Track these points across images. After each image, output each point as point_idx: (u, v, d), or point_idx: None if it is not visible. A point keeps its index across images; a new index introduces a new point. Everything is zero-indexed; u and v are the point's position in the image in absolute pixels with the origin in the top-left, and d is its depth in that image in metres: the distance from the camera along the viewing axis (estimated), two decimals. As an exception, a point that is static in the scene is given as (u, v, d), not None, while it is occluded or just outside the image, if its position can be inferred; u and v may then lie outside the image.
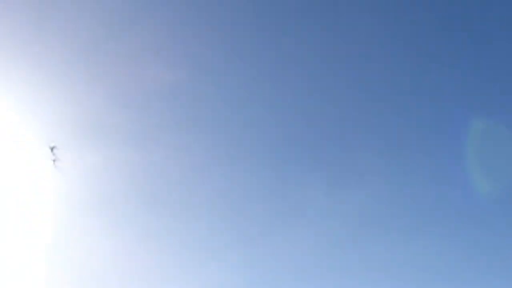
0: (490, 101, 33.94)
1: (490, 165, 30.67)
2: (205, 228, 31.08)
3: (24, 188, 29.53)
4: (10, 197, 29.77)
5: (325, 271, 31.59)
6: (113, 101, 30.23)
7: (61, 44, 29.05)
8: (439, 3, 32.16)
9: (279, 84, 31.78)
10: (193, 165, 31.00)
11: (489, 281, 29.47)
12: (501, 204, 30.94)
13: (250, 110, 31.97)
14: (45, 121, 29.01)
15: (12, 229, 30.05)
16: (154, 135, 30.73)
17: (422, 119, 32.87)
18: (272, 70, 31.76)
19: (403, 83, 33.05)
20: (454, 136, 31.96)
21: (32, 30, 28.40)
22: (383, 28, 31.56)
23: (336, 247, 31.57)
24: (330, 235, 31.23)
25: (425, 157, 32.10)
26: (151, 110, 31.12)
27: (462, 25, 33.09)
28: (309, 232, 30.89)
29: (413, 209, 32.27)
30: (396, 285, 30.32)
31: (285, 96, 31.94)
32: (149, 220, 30.15)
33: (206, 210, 31.21)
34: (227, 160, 32.02)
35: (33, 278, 28.77)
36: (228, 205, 31.86)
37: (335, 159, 32.23)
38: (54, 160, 24.97)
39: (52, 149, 24.84)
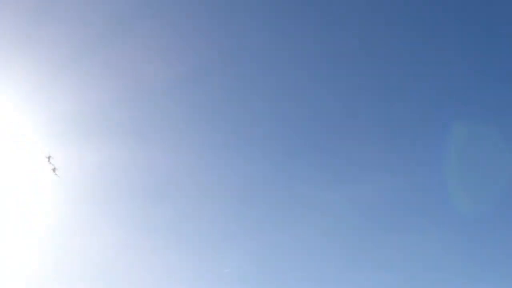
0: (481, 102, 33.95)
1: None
2: (211, 222, 31.01)
3: (25, 186, 29.58)
4: (11, 195, 29.80)
5: (330, 261, 31.63)
6: (114, 99, 30.14)
7: (61, 44, 29.04)
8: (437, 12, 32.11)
9: (281, 82, 31.73)
10: (198, 162, 30.91)
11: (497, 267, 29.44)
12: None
13: (254, 106, 31.90)
14: (46, 119, 29.00)
15: (14, 226, 30.07)
16: (158, 132, 30.60)
17: (426, 114, 32.77)
18: (274, 69, 31.70)
19: (407, 81, 32.97)
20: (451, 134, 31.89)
21: (33, 30, 28.42)
22: (387, 26, 31.43)
23: (341, 239, 31.60)
24: (335, 227, 31.27)
25: (428, 151, 32.05)
26: (153, 108, 31.05)
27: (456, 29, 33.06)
28: (314, 224, 30.91)
29: (415, 203, 32.30)
30: (397, 276, 30.29)
31: (288, 93, 31.86)
32: (154, 215, 30.03)
33: (212, 205, 31.13)
34: (233, 155, 31.97)
35: (36, 275, 28.67)
36: (234, 199, 31.85)
37: (340, 154, 32.29)
38: (53, 169, 24.97)
39: (48, 158, 24.81)
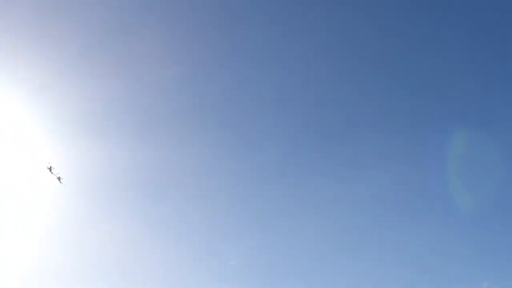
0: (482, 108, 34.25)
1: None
2: (214, 216, 31.38)
3: (27, 184, 29.95)
4: (13, 193, 30.16)
5: (330, 255, 32.14)
6: (116, 99, 30.44)
7: (61, 44, 29.40)
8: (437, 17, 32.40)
9: (282, 82, 32.07)
10: (203, 160, 31.19)
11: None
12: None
13: (256, 106, 32.17)
14: (47, 118, 29.33)
15: (16, 223, 30.43)
16: (162, 129, 30.79)
17: (426, 114, 33.08)
18: (274, 69, 32.04)
19: (408, 79, 33.21)
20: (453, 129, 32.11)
21: (34, 30, 28.82)
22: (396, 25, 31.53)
23: (343, 233, 32.10)
24: (338, 221, 31.82)
25: (427, 149, 32.48)
26: (154, 106, 31.34)
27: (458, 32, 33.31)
28: (318, 218, 31.38)
29: (414, 197, 32.84)
30: (397, 270, 30.68)
31: (289, 93, 32.13)
32: (160, 211, 30.30)
33: (215, 200, 31.44)
34: (237, 155, 32.32)
35: (36, 273, 28.89)
36: (240, 197, 32.24)
37: (343, 151, 32.79)
38: (58, 178, 25.23)
39: (50, 169, 25.07)
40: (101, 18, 27.84)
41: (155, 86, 28.48)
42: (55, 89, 28.67)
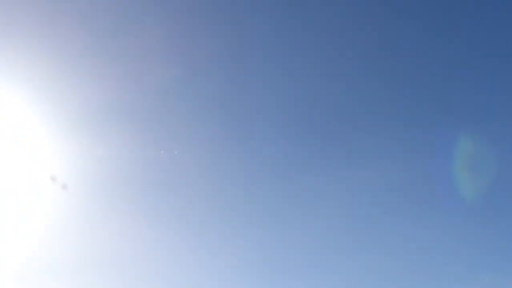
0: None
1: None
2: (217, 211, 31.34)
3: (28, 183, 29.73)
4: (14, 191, 29.99)
5: (335, 250, 31.96)
6: (115, 98, 30.38)
7: (61, 43, 29.21)
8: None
9: (277, 79, 31.89)
10: (197, 159, 31.15)
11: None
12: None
13: (250, 104, 32.06)
14: (47, 117, 29.21)
15: (17, 223, 30.28)
16: (161, 125, 30.87)
17: (430, 101, 32.90)
18: (269, 68, 31.88)
19: (411, 65, 33.08)
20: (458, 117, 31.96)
21: (33, 29, 28.59)
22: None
23: (346, 227, 31.89)
24: (340, 215, 31.58)
25: (430, 138, 32.25)
26: (155, 105, 31.30)
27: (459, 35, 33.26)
28: (319, 213, 31.25)
29: (417, 189, 32.57)
30: (403, 262, 30.64)
31: (289, 85, 31.92)
32: (158, 203, 30.32)
33: (218, 194, 31.41)
34: (236, 149, 32.20)
35: (36, 271, 29.03)
36: (239, 190, 32.04)
37: (345, 141, 32.49)
38: (63, 187, 25.06)
39: (53, 179, 24.89)
40: (102, 17, 27.75)
41: (157, 84, 28.39)
42: (55, 89, 28.58)
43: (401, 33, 32.45)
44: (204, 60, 31.07)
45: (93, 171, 29.67)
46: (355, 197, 31.75)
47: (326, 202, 31.42)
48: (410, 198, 32.25)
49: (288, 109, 32.33)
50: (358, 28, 31.08)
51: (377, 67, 32.48)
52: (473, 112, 32.82)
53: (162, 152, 28.43)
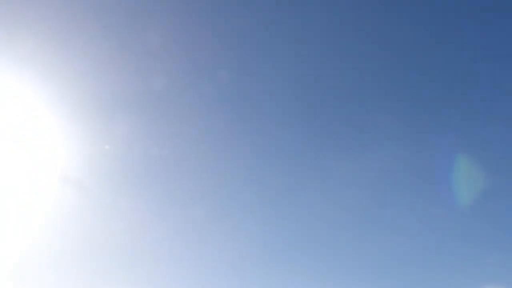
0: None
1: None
2: (217, 211, 31.41)
3: (33, 181, 29.92)
4: (17, 188, 30.22)
5: (343, 232, 32.03)
6: (114, 99, 30.56)
7: (60, 43, 29.38)
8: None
9: (294, 67, 31.93)
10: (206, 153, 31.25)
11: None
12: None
13: (263, 91, 32.12)
14: (45, 117, 29.41)
15: (18, 220, 30.50)
16: (164, 128, 31.01)
17: (442, 83, 32.77)
18: (287, 56, 31.98)
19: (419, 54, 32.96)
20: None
21: (31, 29, 28.77)
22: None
23: (354, 209, 31.92)
24: (348, 197, 31.53)
25: (441, 120, 32.10)
26: (157, 105, 31.42)
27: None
28: (328, 194, 31.22)
29: (426, 171, 32.51)
30: (410, 246, 30.72)
31: (297, 62, 31.84)
32: (168, 186, 30.31)
33: (227, 176, 31.40)
34: (244, 135, 32.22)
35: (38, 270, 29.29)
36: (247, 172, 32.02)
37: (351, 122, 32.35)
38: (77, 185, 25.13)
39: (65, 180, 24.97)
40: (101, 17, 27.77)
41: (158, 82, 28.47)
42: (56, 86, 28.67)
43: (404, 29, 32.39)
44: (204, 57, 31.20)
45: (95, 167, 29.87)
46: (355, 188, 31.87)
47: (326, 195, 31.59)
48: (409, 190, 32.40)
49: (288, 106, 32.42)
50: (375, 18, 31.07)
51: (385, 51, 32.53)
52: (473, 111, 32.85)
53: (167, 149, 28.61)
